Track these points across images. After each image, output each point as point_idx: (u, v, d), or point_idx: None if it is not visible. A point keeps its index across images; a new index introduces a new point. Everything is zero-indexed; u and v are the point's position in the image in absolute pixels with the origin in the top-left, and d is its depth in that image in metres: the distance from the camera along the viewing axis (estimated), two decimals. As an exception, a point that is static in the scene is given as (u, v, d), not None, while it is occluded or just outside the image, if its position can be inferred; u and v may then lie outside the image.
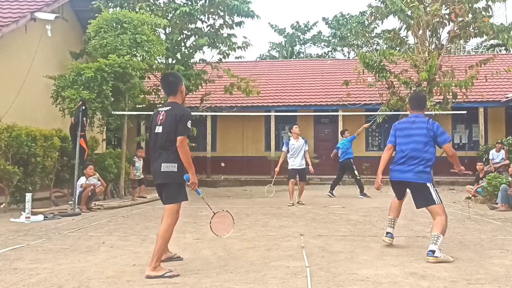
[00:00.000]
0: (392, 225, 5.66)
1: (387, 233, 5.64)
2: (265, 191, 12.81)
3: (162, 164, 4.40)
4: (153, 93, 16.43)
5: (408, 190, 5.48)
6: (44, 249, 5.66)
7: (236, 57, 17.65)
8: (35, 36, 12.87)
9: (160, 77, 5.25)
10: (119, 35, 12.35)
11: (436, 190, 5.28)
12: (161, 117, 4.50)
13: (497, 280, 4.14)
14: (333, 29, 35.74)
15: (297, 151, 10.57)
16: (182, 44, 16.33)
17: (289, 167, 10.76)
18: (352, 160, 12.75)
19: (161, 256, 4.40)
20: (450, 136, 5.50)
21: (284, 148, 10.91)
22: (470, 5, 15.30)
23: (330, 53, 36.67)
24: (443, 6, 15.71)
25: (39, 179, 10.33)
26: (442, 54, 16.12)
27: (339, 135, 14.57)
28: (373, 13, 17.01)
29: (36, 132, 10.13)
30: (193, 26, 16.19)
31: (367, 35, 22.98)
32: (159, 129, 4.47)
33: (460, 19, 15.47)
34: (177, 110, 4.50)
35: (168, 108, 4.55)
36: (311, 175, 16.88)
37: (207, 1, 15.86)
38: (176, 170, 4.40)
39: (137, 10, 14.30)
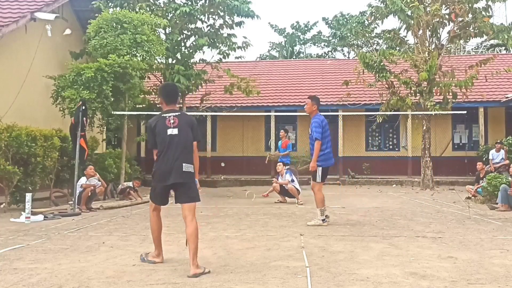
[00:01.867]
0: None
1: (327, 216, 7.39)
2: (246, 195, 12.65)
3: (184, 164, 4.54)
4: (153, 93, 16.43)
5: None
6: (44, 249, 5.65)
7: (236, 57, 17.66)
8: (35, 36, 12.86)
9: (161, 86, 5.37)
10: (119, 35, 12.36)
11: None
12: (172, 121, 4.63)
13: (497, 280, 4.14)
14: (333, 29, 35.71)
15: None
16: (182, 44, 16.33)
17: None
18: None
19: (197, 253, 4.47)
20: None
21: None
22: (470, 5, 15.29)
23: (330, 53, 36.65)
24: (443, 6, 15.70)
25: (39, 179, 10.32)
26: (442, 54, 16.12)
27: (284, 134, 12.76)
28: (373, 13, 17.00)
29: (36, 132, 10.12)
30: (193, 26, 16.19)
31: (367, 35, 22.96)
32: (174, 131, 4.59)
33: (460, 19, 15.46)
34: (188, 116, 4.86)
35: (177, 113, 4.72)
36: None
37: (207, 1, 15.86)
38: (193, 171, 4.64)
39: (137, 10, 14.31)
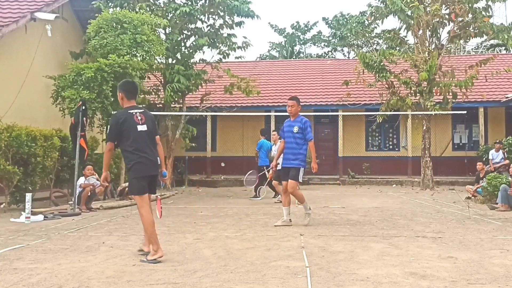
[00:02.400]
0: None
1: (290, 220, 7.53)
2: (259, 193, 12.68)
3: (157, 158, 5.05)
4: (153, 93, 16.43)
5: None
6: (44, 249, 5.65)
7: (236, 57, 17.67)
8: (35, 36, 12.86)
9: (122, 82, 5.50)
10: (119, 35, 12.35)
11: None
12: (139, 117, 4.94)
13: (497, 280, 4.14)
14: (333, 29, 35.71)
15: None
16: (182, 44, 16.34)
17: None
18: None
19: None
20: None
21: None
22: (470, 5, 15.30)
23: (330, 53, 36.63)
24: (443, 6, 15.72)
25: (39, 179, 10.32)
26: (442, 54, 16.12)
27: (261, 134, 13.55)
28: (373, 13, 17.01)
29: (36, 132, 10.13)
30: (193, 26, 16.20)
31: (367, 35, 22.99)
32: (143, 127, 4.92)
33: (460, 19, 15.47)
34: (149, 113, 5.18)
35: (141, 110, 5.08)
36: (311, 175, 16.92)
37: (207, 1, 15.87)
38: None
39: (137, 10, 14.31)
